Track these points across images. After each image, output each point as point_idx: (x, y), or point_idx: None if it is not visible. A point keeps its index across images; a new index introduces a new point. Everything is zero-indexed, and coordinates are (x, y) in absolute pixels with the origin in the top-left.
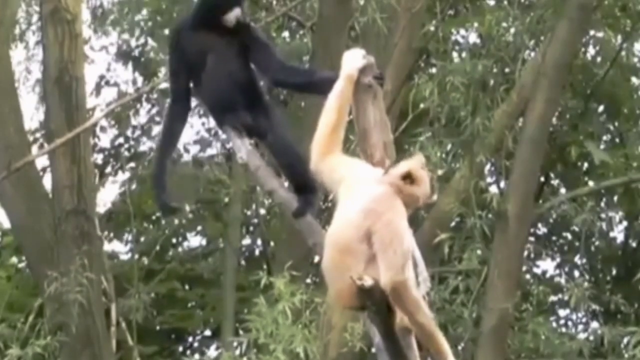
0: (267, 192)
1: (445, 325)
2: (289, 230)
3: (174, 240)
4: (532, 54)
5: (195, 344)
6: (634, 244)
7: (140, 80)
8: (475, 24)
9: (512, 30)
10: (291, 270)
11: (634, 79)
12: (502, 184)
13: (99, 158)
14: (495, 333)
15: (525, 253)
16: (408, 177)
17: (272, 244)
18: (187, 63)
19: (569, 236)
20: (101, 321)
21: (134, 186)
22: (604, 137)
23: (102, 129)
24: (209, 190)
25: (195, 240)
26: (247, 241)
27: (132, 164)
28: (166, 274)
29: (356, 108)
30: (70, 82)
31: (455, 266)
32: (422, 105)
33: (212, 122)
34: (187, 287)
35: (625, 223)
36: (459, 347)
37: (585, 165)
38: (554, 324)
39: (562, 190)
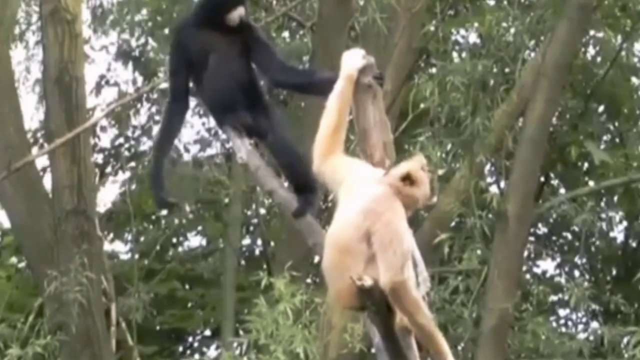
0: (267, 192)
1: (445, 325)
2: (289, 230)
3: (174, 240)
4: (532, 54)
5: (195, 344)
6: (634, 244)
7: (140, 80)
8: (475, 24)
9: (512, 30)
10: (291, 270)
11: (634, 79)
12: (502, 184)
13: (99, 158)
14: (495, 333)
15: (525, 253)
16: (407, 178)
17: (272, 244)
18: (188, 62)
19: (569, 236)
20: (101, 321)
21: (134, 186)
22: (604, 137)
23: (102, 129)
24: (209, 191)
25: (195, 240)
26: (247, 241)
27: (132, 164)
28: (166, 274)
29: (356, 108)
30: (70, 82)
31: (455, 266)
32: (422, 105)
33: (212, 122)
34: (187, 287)
35: (625, 223)
36: (459, 347)
37: (585, 165)
38: (554, 324)
39: (562, 190)
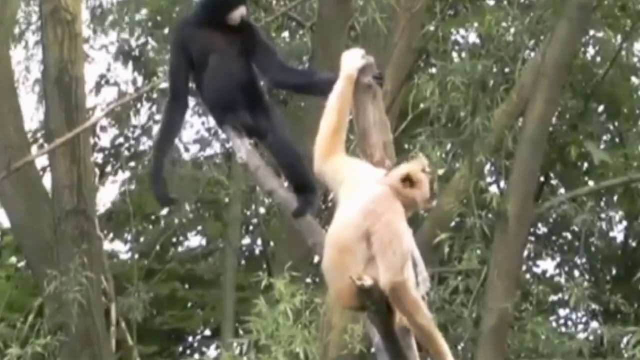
0: (267, 192)
1: (445, 326)
2: (289, 230)
3: (174, 240)
4: (532, 54)
5: (195, 344)
6: (634, 244)
7: (140, 80)
8: (475, 24)
9: (512, 30)
10: (291, 270)
11: (634, 79)
12: (502, 184)
13: (99, 158)
14: (495, 333)
15: (525, 253)
16: (407, 180)
17: (272, 244)
18: (189, 61)
19: (569, 236)
20: (101, 321)
21: (134, 186)
22: (604, 137)
23: (102, 128)
24: (209, 191)
25: (195, 240)
26: (247, 241)
27: (132, 164)
28: (166, 274)
29: (356, 108)
30: (70, 82)
31: (455, 266)
32: (422, 105)
33: (212, 122)
34: (187, 287)
35: (625, 223)
36: (459, 347)
37: (585, 165)
38: (554, 324)
39: (562, 190)
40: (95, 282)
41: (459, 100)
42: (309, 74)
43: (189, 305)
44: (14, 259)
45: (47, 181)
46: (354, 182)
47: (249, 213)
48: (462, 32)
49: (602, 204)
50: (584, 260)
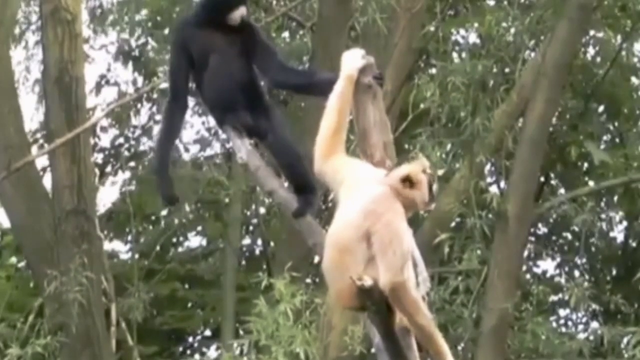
0: (267, 192)
1: (445, 326)
2: (289, 230)
3: (174, 240)
4: (532, 54)
5: (195, 345)
6: (634, 244)
7: (140, 80)
8: (475, 24)
9: (512, 30)
10: (291, 270)
11: (634, 79)
12: (502, 184)
13: (99, 158)
14: (495, 333)
15: (525, 253)
16: (407, 180)
17: (272, 244)
18: (189, 61)
19: (569, 236)
20: (101, 321)
21: (134, 186)
22: (604, 137)
23: (102, 129)
24: (209, 191)
25: (195, 241)
26: (247, 241)
27: (132, 164)
28: (166, 274)
29: (356, 108)
30: (70, 82)
31: (455, 266)
32: (422, 105)
33: (212, 122)
34: (187, 287)
35: (625, 223)
36: (459, 347)
37: (585, 165)
38: (554, 324)
39: (562, 190)
40: (95, 282)
41: (459, 100)
42: (309, 74)
43: (189, 305)
44: (14, 259)
45: (47, 181)
46: (354, 182)
47: (249, 213)
48: (462, 32)
49: (602, 204)
50: (584, 260)
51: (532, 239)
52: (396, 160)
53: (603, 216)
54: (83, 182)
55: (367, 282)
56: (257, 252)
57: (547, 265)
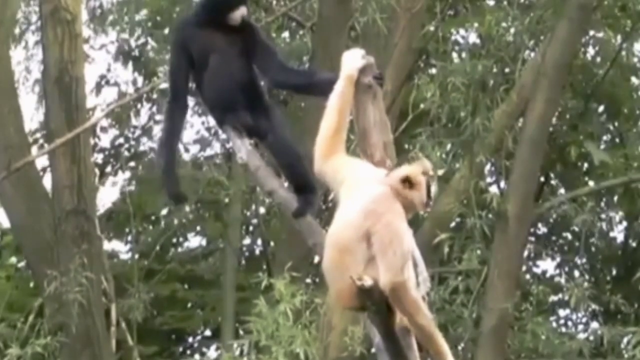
0: (267, 192)
1: (445, 326)
2: (289, 230)
3: (174, 241)
4: (532, 54)
5: (195, 345)
6: (634, 244)
7: (140, 80)
8: (475, 24)
9: (512, 30)
10: (291, 270)
11: (634, 79)
12: (502, 184)
13: (99, 158)
14: (495, 333)
15: (525, 253)
16: (407, 181)
17: (272, 244)
18: (189, 61)
19: (569, 236)
20: (101, 321)
21: (134, 186)
22: (604, 137)
23: (102, 129)
24: (209, 191)
25: (195, 241)
26: (247, 241)
27: (132, 164)
28: (166, 274)
29: (356, 108)
30: (70, 82)
31: (455, 266)
32: (422, 106)
33: (212, 122)
34: (187, 287)
35: (625, 223)
36: (459, 347)
37: (585, 165)
38: (554, 324)
39: (562, 190)
40: (95, 282)
41: (459, 100)
42: (309, 74)
43: (189, 305)
44: (14, 259)
45: (47, 181)
46: (355, 182)
47: (249, 213)
48: (462, 32)
49: (602, 204)
50: (584, 260)
51: (532, 239)
52: (396, 160)
53: (603, 216)
54: (83, 182)
55: (367, 282)
56: (257, 252)
57: (547, 265)
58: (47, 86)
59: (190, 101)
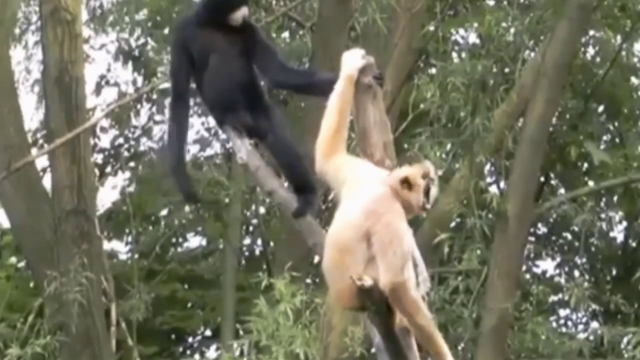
0: (267, 192)
1: (445, 326)
2: (289, 230)
3: (174, 241)
4: (532, 54)
5: (195, 345)
6: (634, 244)
7: (140, 80)
8: (475, 24)
9: (512, 30)
10: (291, 270)
11: (633, 79)
12: (502, 184)
13: (99, 158)
14: (495, 333)
15: (525, 253)
16: (406, 182)
17: (272, 244)
18: (189, 61)
19: (569, 236)
20: (101, 321)
21: (133, 186)
22: (604, 137)
23: (102, 129)
24: (209, 191)
25: (195, 241)
26: (247, 241)
27: (132, 164)
28: (166, 274)
29: (356, 108)
30: (70, 82)
31: (455, 266)
32: (422, 106)
33: (212, 122)
34: (187, 287)
35: (625, 223)
36: (459, 347)
37: (585, 165)
38: (554, 324)
39: (562, 190)
40: (95, 282)
41: (458, 100)
42: (309, 74)
43: (189, 305)
44: (14, 259)
45: (47, 181)
46: (356, 182)
47: (249, 213)
48: (462, 32)
49: (602, 204)
50: (584, 260)
51: (532, 239)
52: (396, 160)
53: (603, 216)
54: (83, 182)
55: (367, 282)
56: (257, 252)
57: (547, 265)
58: (47, 86)
59: (190, 101)
